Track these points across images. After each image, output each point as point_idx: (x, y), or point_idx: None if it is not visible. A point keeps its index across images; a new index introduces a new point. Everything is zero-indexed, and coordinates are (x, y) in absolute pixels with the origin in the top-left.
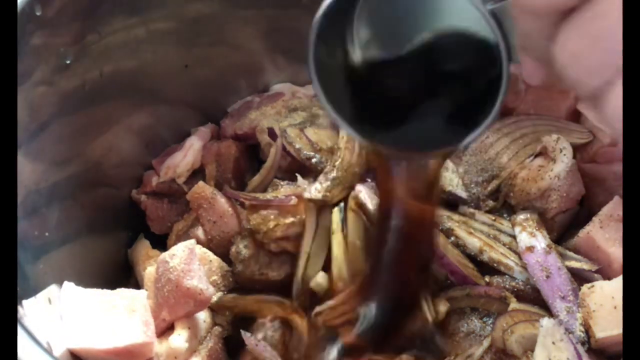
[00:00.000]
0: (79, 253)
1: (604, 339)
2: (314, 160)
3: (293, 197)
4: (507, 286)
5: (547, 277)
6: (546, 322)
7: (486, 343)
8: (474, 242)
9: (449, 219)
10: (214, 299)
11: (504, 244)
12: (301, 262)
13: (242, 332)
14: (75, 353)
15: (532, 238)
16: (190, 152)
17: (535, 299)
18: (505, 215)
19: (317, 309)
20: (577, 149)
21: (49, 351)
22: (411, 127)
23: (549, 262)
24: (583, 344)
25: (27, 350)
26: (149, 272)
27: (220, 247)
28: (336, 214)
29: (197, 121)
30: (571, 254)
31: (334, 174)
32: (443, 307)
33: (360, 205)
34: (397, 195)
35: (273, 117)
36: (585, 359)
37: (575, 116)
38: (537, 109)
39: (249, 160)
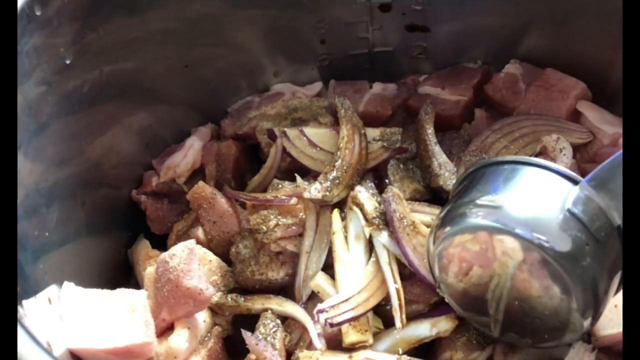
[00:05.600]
0: (79, 253)
1: (605, 337)
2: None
3: (293, 197)
4: None
5: None
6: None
7: (487, 352)
8: None
9: None
10: (214, 299)
11: None
12: (302, 262)
13: (243, 331)
14: (75, 353)
15: None
16: (190, 152)
17: None
18: None
19: (320, 306)
20: (577, 149)
21: (49, 351)
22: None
23: None
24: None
25: (27, 350)
26: (149, 272)
27: (220, 247)
28: (336, 215)
29: (197, 121)
30: None
31: (333, 174)
32: (452, 323)
33: (359, 205)
34: None
35: (273, 117)
36: None
37: (575, 116)
38: (537, 108)
39: (249, 160)
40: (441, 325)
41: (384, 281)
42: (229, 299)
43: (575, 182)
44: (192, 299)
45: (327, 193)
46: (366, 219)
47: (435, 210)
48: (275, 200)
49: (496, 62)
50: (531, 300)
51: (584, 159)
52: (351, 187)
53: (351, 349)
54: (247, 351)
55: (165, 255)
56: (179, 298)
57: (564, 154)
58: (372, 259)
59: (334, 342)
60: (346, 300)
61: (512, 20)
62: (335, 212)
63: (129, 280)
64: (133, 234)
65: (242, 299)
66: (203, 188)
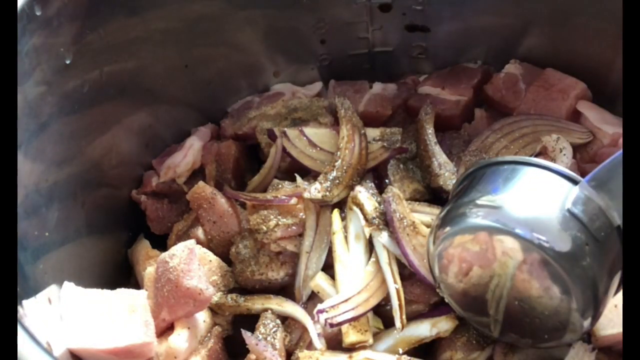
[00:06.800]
0: (79, 253)
1: (605, 337)
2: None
3: (293, 197)
4: None
5: None
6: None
7: (487, 352)
8: None
9: None
10: (214, 299)
11: None
12: (302, 262)
13: (243, 331)
14: (75, 353)
15: None
16: (190, 152)
17: None
18: None
19: (320, 306)
20: (577, 149)
21: (49, 351)
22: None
23: None
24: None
25: (27, 350)
26: (149, 272)
27: (220, 247)
28: (336, 215)
29: (197, 121)
30: None
31: (333, 174)
32: (452, 323)
33: (359, 205)
34: None
35: (273, 117)
36: None
37: (575, 116)
38: (537, 108)
39: (249, 160)
40: (441, 325)
41: (384, 281)
42: (229, 299)
43: (575, 182)
44: (192, 299)
45: (327, 193)
46: (366, 219)
47: (435, 210)
48: (275, 200)
49: (496, 62)
50: (531, 301)
51: (584, 159)
52: (351, 187)
53: (351, 349)
54: (247, 351)
55: (165, 255)
56: (179, 298)
57: (564, 154)
58: (372, 259)
59: (334, 342)
60: (346, 300)
61: (512, 20)
62: (335, 212)
63: (129, 280)
64: (133, 234)
65: (242, 299)
66: (203, 188)
